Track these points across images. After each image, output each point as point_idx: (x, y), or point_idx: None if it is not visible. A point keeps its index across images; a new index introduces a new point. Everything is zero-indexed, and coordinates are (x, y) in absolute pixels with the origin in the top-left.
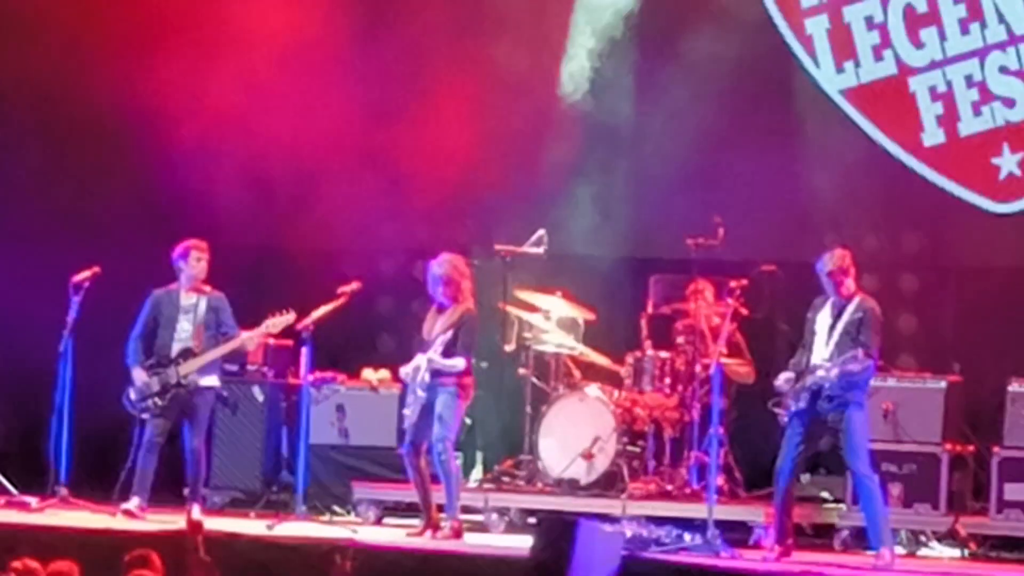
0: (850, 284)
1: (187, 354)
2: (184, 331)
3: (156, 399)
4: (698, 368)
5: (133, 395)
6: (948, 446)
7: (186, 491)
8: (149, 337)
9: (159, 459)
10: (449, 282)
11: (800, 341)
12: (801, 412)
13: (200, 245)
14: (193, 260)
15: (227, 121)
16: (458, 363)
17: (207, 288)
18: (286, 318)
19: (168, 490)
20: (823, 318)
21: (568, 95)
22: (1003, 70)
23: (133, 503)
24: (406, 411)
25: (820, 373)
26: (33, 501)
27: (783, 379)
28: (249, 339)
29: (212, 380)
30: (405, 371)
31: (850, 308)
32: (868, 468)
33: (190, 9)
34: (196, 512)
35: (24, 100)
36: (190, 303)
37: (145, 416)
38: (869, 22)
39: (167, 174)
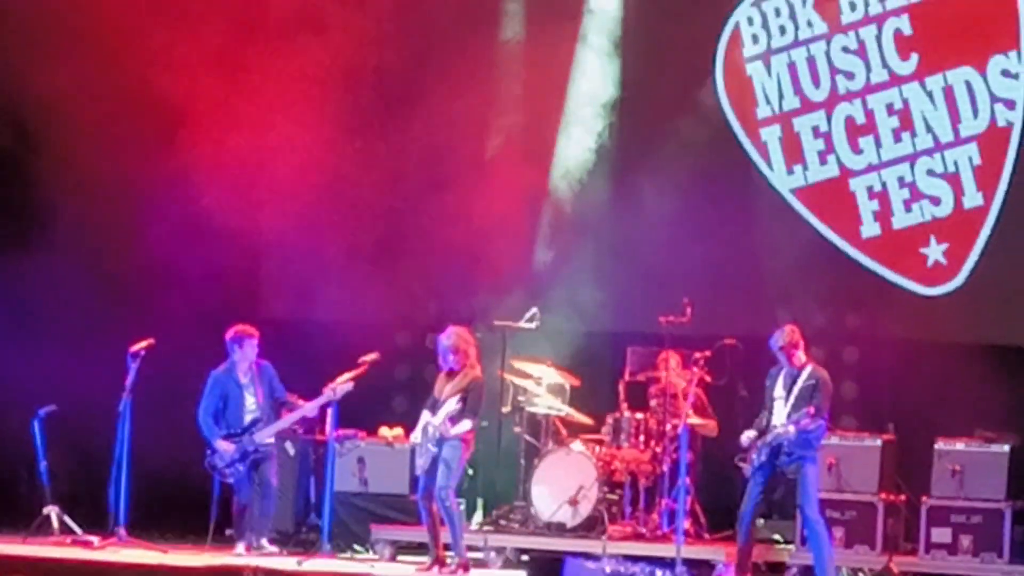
0: (800, 355)
1: (257, 423)
2: (250, 405)
3: (239, 464)
4: (668, 427)
5: (218, 462)
6: (883, 496)
7: (232, 534)
8: (218, 412)
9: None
10: (457, 350)
11: (758, 405)
12: (763, 465)
13: (251, 331)
14: (247, 347)
15: (246, 208)
16: (464, 426)
17: (256, 362)
18: (346, 387)
19: (205, 529)
20: (780, 386)
21: (557, 192)
22: (930, 172)
23: (240, 547)
24: (419, 460)
25: (779, 431)
26: (95, 540)
27: (747, 437)
28: (311, 408)
29: (272, 439)
30: (415, 436)
31: (803, 376)
32: (817, 514)
33: (229, 105)
34: (267, 545)
35: (85, 188)
36: (248, 380)
37: (230, 480)
38: (815, 131)
39: (209, 254)
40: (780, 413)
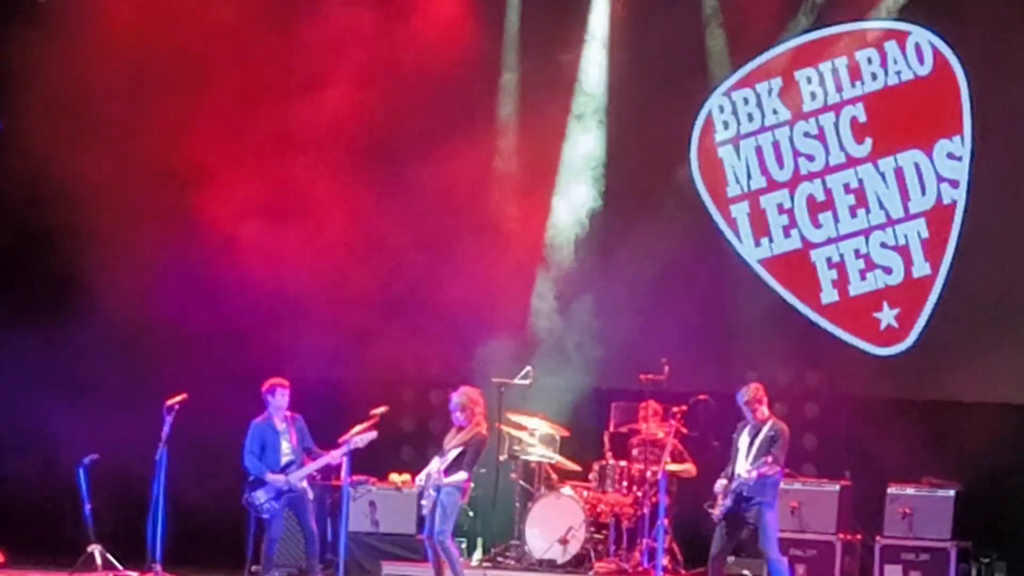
0: (763, 410)
1: (291, 465)
2: (286, 449)
3: (274, 502)
4: (648, 474)
5: (256, 500)
6: (841, 535)
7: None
8: (258, 456)
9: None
10: (464, 408)
11: (728, 455)
12: (730, 510)
13: (283, 383)
14: (279, 396)
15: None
16: (458, 477)
17: (288, 413)
18: (370, 435)
19: (231, 564)
20: (744, 438)
21: (549, 259)
22: (883, 245)
23: None
24: (423, 502)
25: (743, 477)
26: (134, 575)
27: (719, 485)
28: (336, 455)
29: (304, 482)
30: (420, 479)
31: (765, 428)
32: (778, 554)
33: (244, 174)
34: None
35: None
36: (283, 428)
37: (265, 516)
38: (780, 208)
39: (232, 317)
40: (742, 463)
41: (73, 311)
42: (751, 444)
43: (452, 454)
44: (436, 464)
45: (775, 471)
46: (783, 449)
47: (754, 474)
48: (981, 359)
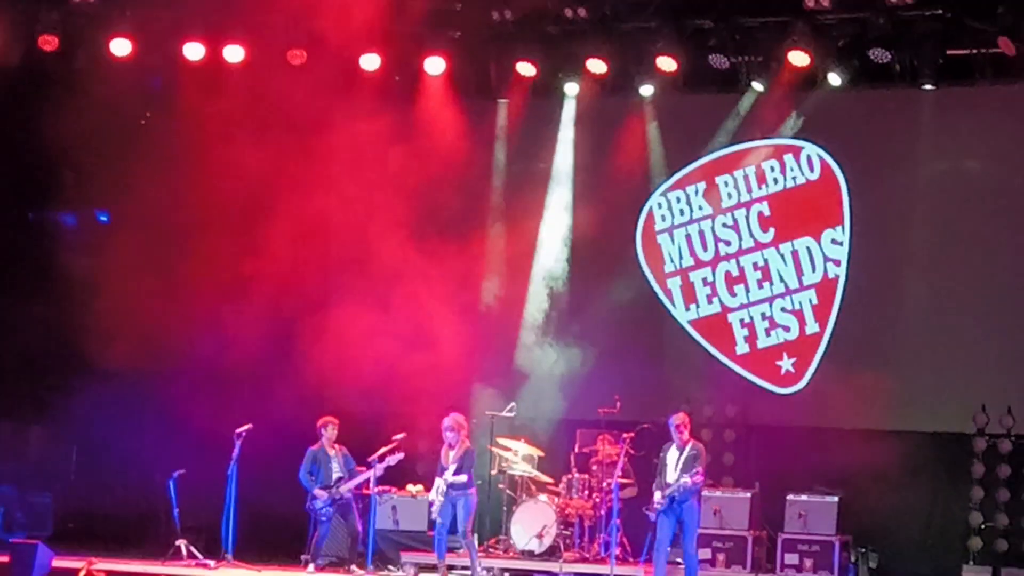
0: (686, 434)
1: (341, 480)
2: (336, 468)
3: (329, 508)
4: (604, 484)
5: (316, 506)
6: (752, 532)
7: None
8: (314, 474)
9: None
10: (454, 429)
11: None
12: (665, 511)
13: (335, 420)
14: (330, 430)
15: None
16: (462, 478)
17: (336, 443)
18: (398, 456)
19: (286, 555)
20: (672, 454)
21: (529, 320)
22: (783, 309)
23: (311, 567)
24: (434, 508)
25: (674, 485)
26: (211, 563)
27: (658, 494)
28: (371, 474)
29: (350, 492)
30: (432, 493)
31: (688, 448)
32: (695, 549)
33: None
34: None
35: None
36: (333, 454)
37: (323, 519)
38: (704, 281)
39: (289, 360)
40: (672, 474)
41: (165, 365)
42: (678, 459)
43: (453, 468)
44: (443, 482)
45: (698, 481)
46: (703, 463)
47: (688, 481)
48: (857, 396)
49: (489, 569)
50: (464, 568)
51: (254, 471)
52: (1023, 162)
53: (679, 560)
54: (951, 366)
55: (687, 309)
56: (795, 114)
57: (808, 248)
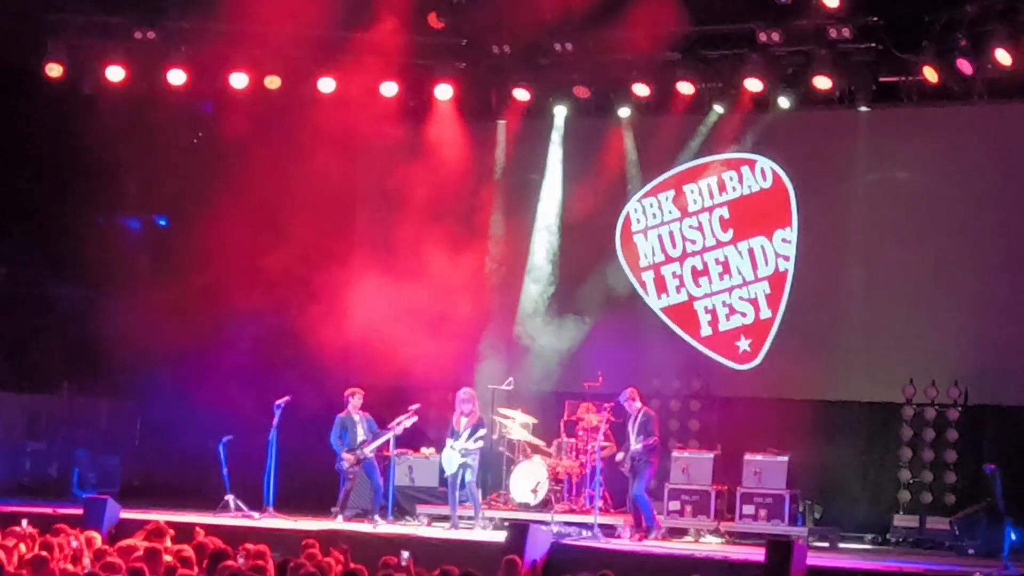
0: (636, 404)
1: (364, 443)
2: (361, 433)
3: (355, 467)
4: (589, 447)
5: (345, 465)
6: (715, 486)
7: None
8: (342, 438)
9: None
10: (468, 401)
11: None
12: (631, 469)
13: (359, 390)
14: (356, 399)
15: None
16: (480, 444)
17: (361, 410)
18: (412, 420)
19: (321, 508)
20: (630, 423)
21: (525, 312)
22: (741, 298)
23: (340, 518)
24: (447, 467)
25: (635, 447)
26: (256, 514)
27: (619, 455)
28: (391, 436)
29: (372, 453)
30: (444, 455)
31: (639, 416)
32: (643, 492)
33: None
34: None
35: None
36: (358, 419)
37: (350, 477)
38: (673, 274)
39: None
40: (632, 439)
41: (214, 347)
42: (633, 426)
43: (466, 434)
44: (459, 442)
45: (650, 442)
46: (656, 428)
47: (639, 446)
48: (804, 372)
49: (491, 519)
50: (469, 518)
51: (291, 436)
52: (944, 173)
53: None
54: (883, 346)
55: (659, 298)
56: (750, 132)
57: (762, 246)
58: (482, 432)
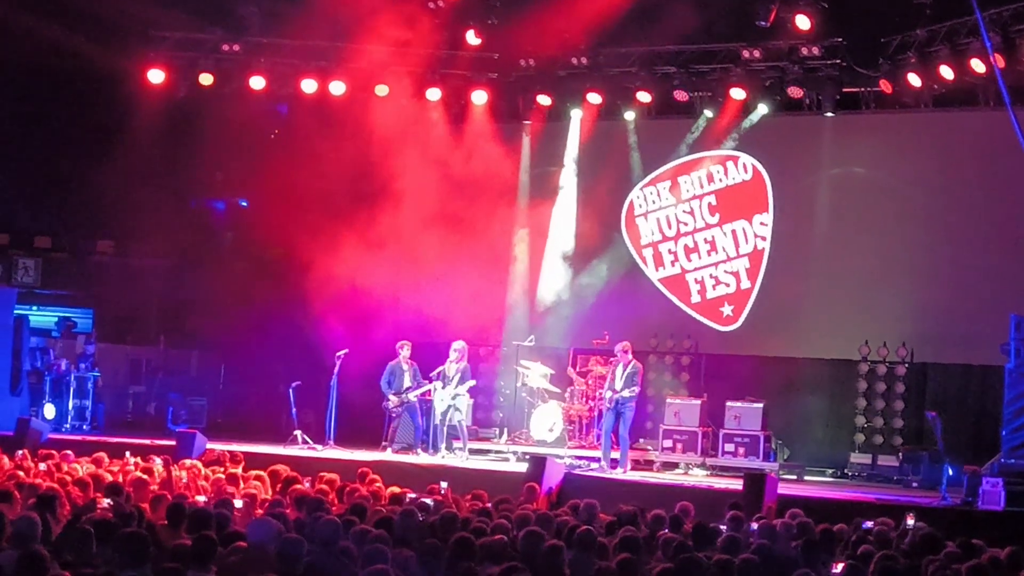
0: (629, 355)
1: (410, 389)
2: (407, 379)
3: (399, 407)
4: (596, 395)
5: (390, 405)
6: (702, 428)
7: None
8: (390, 383)
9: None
10: (462, 351)
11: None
12: (611, 409)
13: (408, 343)
14: (405, 349)
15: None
16: (469, 385)
17: (409, 360)
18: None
19: (376, 442)
20: (619, 370)
21: (546, 283)
22: (725, 271)
23: (389, 450)
24: (439, 408)
25: (624, 393)
26: (319, 447)
27: (608, 394)
28: (431, 386)
29: (415, 398)
30: (438, 394)
31: (630, 366)
32: (627, 433)
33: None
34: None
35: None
36: (406, 368)
37: (395, 416)
38: (669, 251)
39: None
40: (618, 383)
41: (286, 306)
42: (622, 374)
43: (456, 379)
44: (450, 388)
45: (634, 390)
46: (640, 378)
47: (625, 392)
48: (777, 334)
49: (515, 453)
50: (501, 454)
51: (349, 381)
52: (895, 168)
53: (648, 447)
54: (843, 312)
55: (657, 270)
56: (735, 133)
57: (743, 228)
58: (471, 383)
